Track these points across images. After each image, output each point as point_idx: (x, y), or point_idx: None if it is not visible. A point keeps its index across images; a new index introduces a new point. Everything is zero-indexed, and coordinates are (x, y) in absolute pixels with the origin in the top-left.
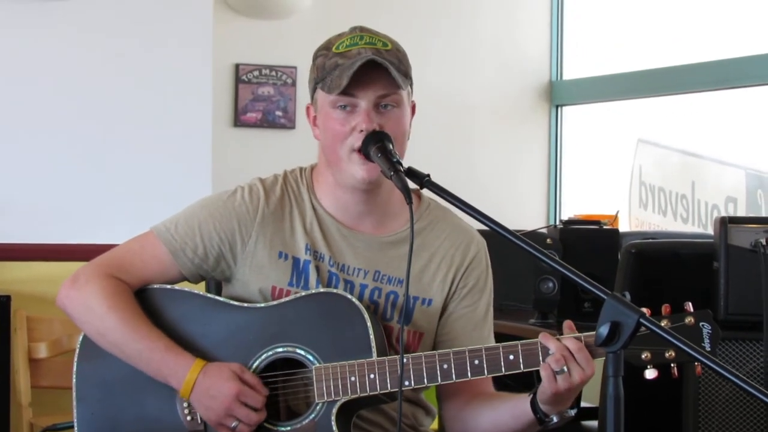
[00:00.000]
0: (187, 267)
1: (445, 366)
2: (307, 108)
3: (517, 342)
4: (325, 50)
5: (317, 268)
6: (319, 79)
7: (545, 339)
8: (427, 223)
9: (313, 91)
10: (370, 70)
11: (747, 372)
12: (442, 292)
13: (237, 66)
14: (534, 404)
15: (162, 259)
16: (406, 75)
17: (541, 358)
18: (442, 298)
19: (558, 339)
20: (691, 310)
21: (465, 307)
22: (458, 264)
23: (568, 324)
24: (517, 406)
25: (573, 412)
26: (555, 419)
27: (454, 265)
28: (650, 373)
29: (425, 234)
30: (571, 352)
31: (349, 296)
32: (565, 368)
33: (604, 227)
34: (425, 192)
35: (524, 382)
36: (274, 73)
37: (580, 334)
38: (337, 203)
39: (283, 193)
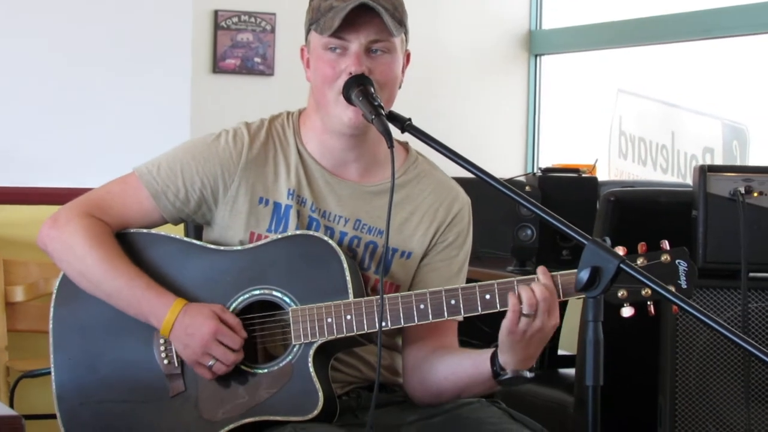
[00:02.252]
0: (168, 210)
1: (422, 306)
2: (302, 50)
3: (493, 281)
4: None
5: (298, 213)
6: (313, 21)
7: (542, 272)
8: (413, 176)
9: (308, 32)
10: (363, 14)
11: (724, 320)
12: (421, 246)
13: (216, 12)
14: (494, 356)
15: (143, 201)
16: (401, 23)
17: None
18: (421, 252)
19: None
20: (668, 247)
21: (440, 261)
22: (441, 219)
23: (542, 269)
24: (480, 356)
25: (530, 375)
26: (509, 374)
27: (436, 220)
28: (627, 311)
29: (410, 187)
30: (536, 298)
31: (325, 238)
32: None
33: (583, 176)
34: (413, 144)
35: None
36: (253, 19)
37: (557, 273)
38: (323, 148)
39: (267, 138)
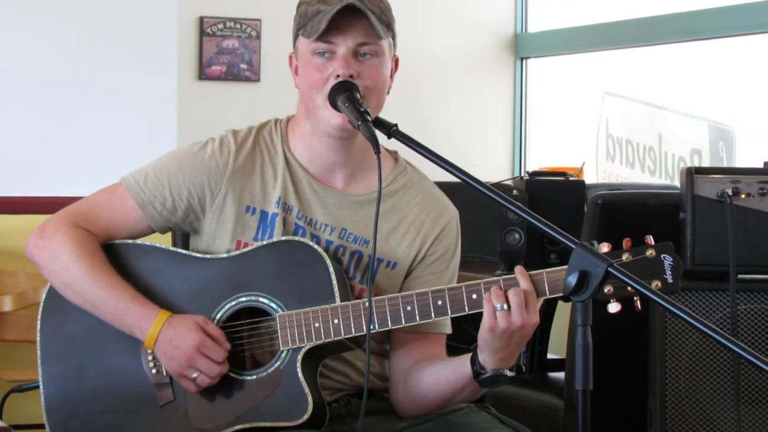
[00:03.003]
0: (156, 219)
1: (409, 308)
2: (290, 57)
3: (479, 281)
4: None
5: (284, 221)
6: (301, 26)
7: (519, 271)
8: (400, 186)
9: (295, 38)
10: (350, 18)
11: (713, 322)
12: (407, 257)
13: (201, 19)
14: (474, 356)
15: (129, 211)
16: (388, 27)
17: None
18: (407, 263)
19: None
20: (652, 242)
21: (431, 274)
22: (427, 231)
23: (518, 269)
24: (459, 360)
25: (511, 374)
26: (489, 373)
27: (422, 231)
28: (613, 307)
29: (397, 197)
30: (523, 293)
31: (310, 243)
32: (506, 305)
33: (570, 179)
34: (401, 150)
35: None
36: (238, 25)
37: (542, 270)
38: (311, 154)
39: (254, 146)
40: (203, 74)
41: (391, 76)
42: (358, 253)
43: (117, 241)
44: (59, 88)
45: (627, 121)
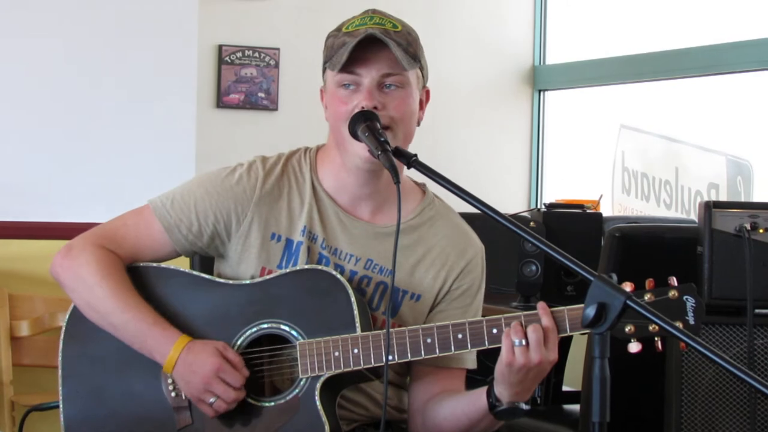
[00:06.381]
0: (181, 243)
1: (429, 340)
2: (321, 91)
3: (500, 315)
4: (335, 31)
5: (309, 249)
6: (327, 59)
7: (541, 307)
8: (427, 219)
9: (324, 72)
10: (376, 50)
11: (730, 356)
12: (432, 289)
13: (220, 47)
14: (490, 388)
15: (155, 234)
16: (415, 58)
17: None
18: (432, 296)
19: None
20: (675, 284)
21: (456, 308)
22: (452, 264)
23: (541, 305)
24: (476, 393)
25: (526, 407)
26: (504, 405)
27: (447, 264)
28: (634, 347)
29: (423, 229)
30: (543, 330)
31: (333, 272)
32: (524, 341)
33: (588, 211)
34: (430, 186)
35: None
36: (257, 54)
37: (563, 308)
38: (339, 184)
39: (282, 173)
40: (221, 102)
41: (422, 108)
42: (383, 284)
43: (141, 264)
44: (79, 114)
45: (643, 155)
